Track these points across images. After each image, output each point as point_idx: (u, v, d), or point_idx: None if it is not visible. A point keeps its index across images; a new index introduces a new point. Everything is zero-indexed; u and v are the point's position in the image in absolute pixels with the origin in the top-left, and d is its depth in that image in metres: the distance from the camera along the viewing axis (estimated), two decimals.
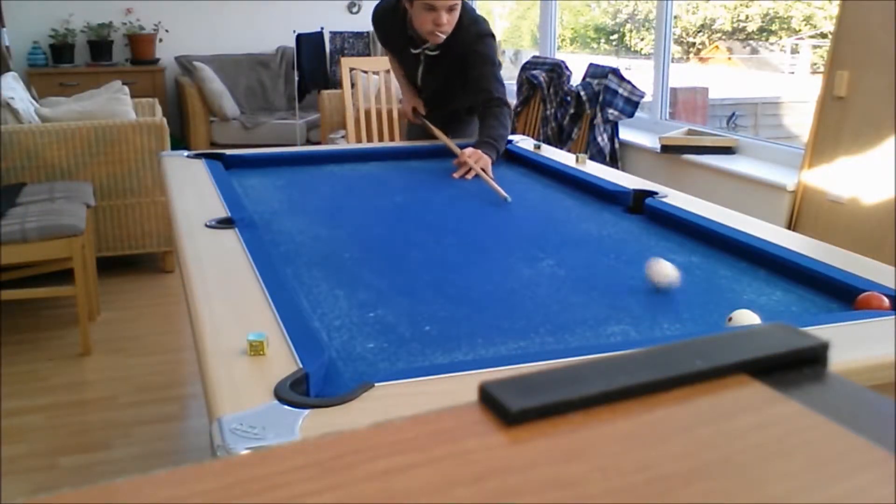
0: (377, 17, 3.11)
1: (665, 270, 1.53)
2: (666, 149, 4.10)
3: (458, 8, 2.78)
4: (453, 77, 2.97)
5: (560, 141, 4.70)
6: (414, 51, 2.99)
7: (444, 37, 2.78)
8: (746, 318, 1.29)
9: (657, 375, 0.42)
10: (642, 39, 7.13)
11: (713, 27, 7.96)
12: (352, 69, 4.69)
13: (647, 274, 1.54)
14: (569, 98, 4.70)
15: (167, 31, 6.60)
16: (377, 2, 3.08)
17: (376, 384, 1.03)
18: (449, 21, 2.75)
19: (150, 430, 2.70)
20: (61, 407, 2.84)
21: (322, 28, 6.72)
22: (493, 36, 2.94)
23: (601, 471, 0.35)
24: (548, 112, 4.86)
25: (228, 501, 0.33)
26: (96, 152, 3.89)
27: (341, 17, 7.04)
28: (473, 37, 2.86)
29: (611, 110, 4.46)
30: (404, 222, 2.03)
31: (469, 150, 2.64)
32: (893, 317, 1.27)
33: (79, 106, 4.12)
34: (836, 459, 0.36)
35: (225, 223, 1.78)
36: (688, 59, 7.92)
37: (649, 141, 4.36)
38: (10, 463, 2.49)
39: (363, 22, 7.04)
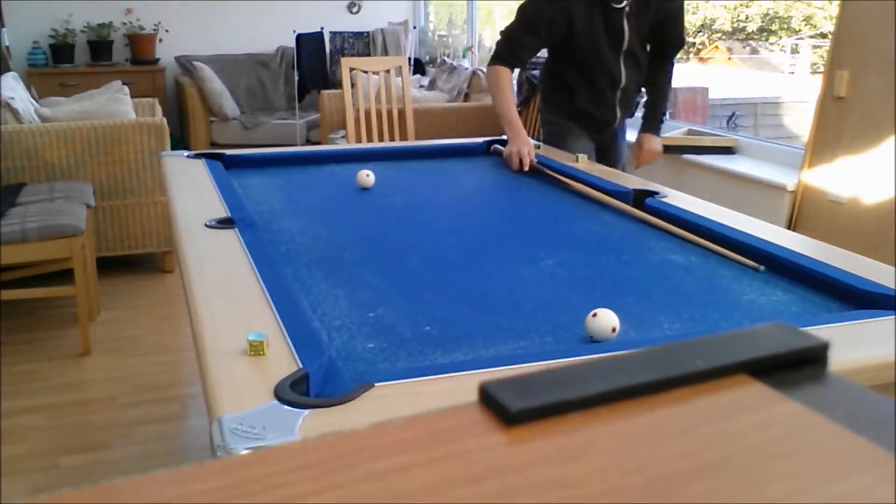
0: None
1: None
2: (666, 149, 4.08)
3: None
4: (644, 38, 2.77)
5: None
6: (617, 5, 2.65)
7: None
8: (607, 315, 1.29)
9: (657, 375, 0.42)
10: None
11: (713, 27, 7.96)
12: (352, 69, 4.69)
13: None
14: None
15: (167, 31, 6.60)
16: None
17: (376, 384, 1.03)
18: None
19: (150, 430, 2.70)
20: (61, 407, 2.84)
21: (322, 28, 6.72)
22: None
23: (601, 471, 0.35)
24: None
25: (228, 501, 0.33)
26: (96, 152, 3.89)
27: (341, 17, 7.04)
28: None
29: None
30: (404, 222, 2.03)
31: (650, 146, 2.79)
32: (893, 317, 1.27)
33: (79, 106, 4.12)
34: (836, 459, 0.36)
35: (225, 223, 1.78)
36: (688, 59, 7.92)
37: None
38: (10, 463, 2.49)
39: (363, 22, 7.05)
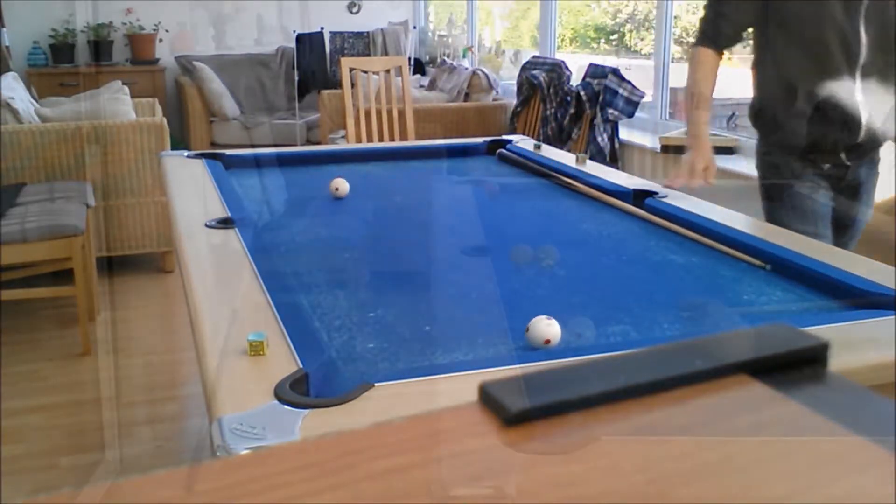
0: None
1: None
2: (666, 149, 4.09)
3: None
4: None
5: (560, 141, 4.69)
6: None
7: None
8: (542, 324, 1.24)
9: (657, 375, 0.42)
10: (642, 39, 7.12)
11: None
12: (352, 69, 4.68)
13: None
14: (569, 98, 4.70)
15: (167, 31, 6.60)
16: None
17: (376, 384, 1.03)
18: None
19: (150, 430, 2.70)
20: (61, 407, 2.84)
21: (322, 28, 6.71)
22: None
23: (601, 471, 0.35)
24: (548, 112, 4.86)
25: (228, 501, 0.33)
26: (96, 152, 3.89)
27: (341, 17, 7.04)
28: None
29: (611, 110, 4.46)
30: (404, 222, 2.03)
31: None
32: (893, 317, 1.27)
33: (79, 106, 4.12)
34: (836, 459, 0.36)
35: (225, 223, 1.78)
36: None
37: (649, 141, 4.35)
38: (10, 463, 2.49)
39: (363, 22, 7.04)
